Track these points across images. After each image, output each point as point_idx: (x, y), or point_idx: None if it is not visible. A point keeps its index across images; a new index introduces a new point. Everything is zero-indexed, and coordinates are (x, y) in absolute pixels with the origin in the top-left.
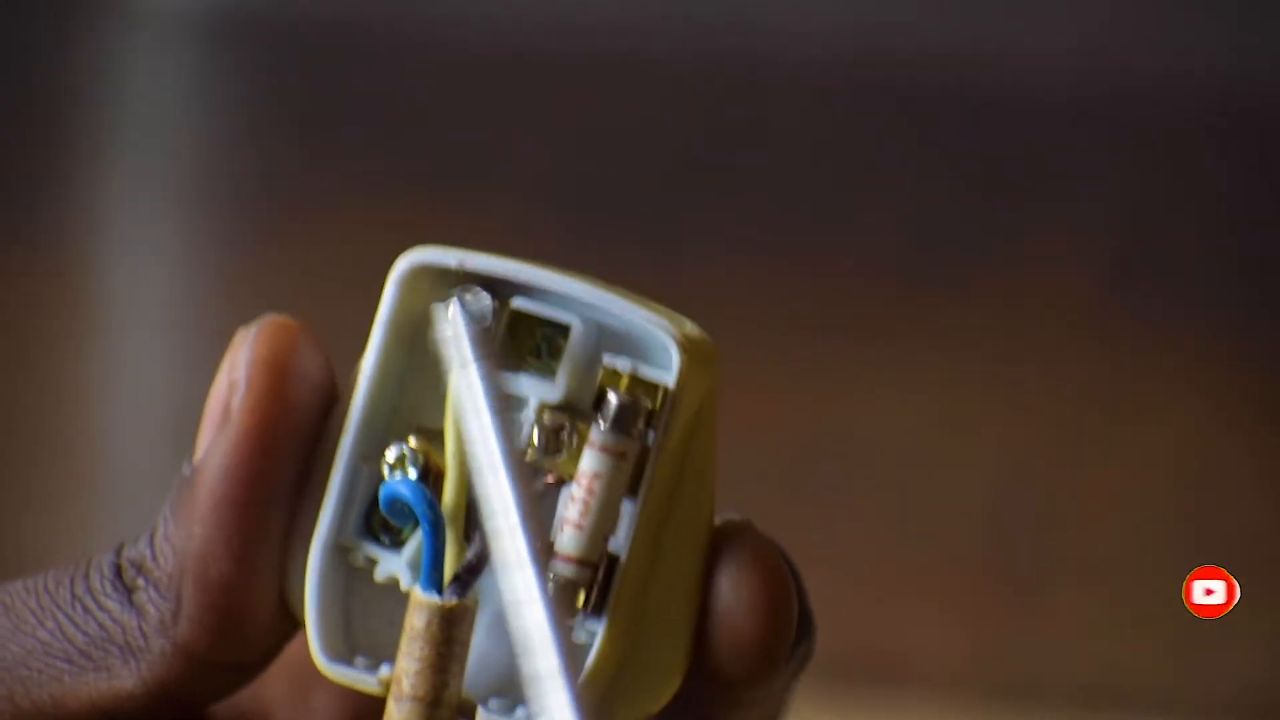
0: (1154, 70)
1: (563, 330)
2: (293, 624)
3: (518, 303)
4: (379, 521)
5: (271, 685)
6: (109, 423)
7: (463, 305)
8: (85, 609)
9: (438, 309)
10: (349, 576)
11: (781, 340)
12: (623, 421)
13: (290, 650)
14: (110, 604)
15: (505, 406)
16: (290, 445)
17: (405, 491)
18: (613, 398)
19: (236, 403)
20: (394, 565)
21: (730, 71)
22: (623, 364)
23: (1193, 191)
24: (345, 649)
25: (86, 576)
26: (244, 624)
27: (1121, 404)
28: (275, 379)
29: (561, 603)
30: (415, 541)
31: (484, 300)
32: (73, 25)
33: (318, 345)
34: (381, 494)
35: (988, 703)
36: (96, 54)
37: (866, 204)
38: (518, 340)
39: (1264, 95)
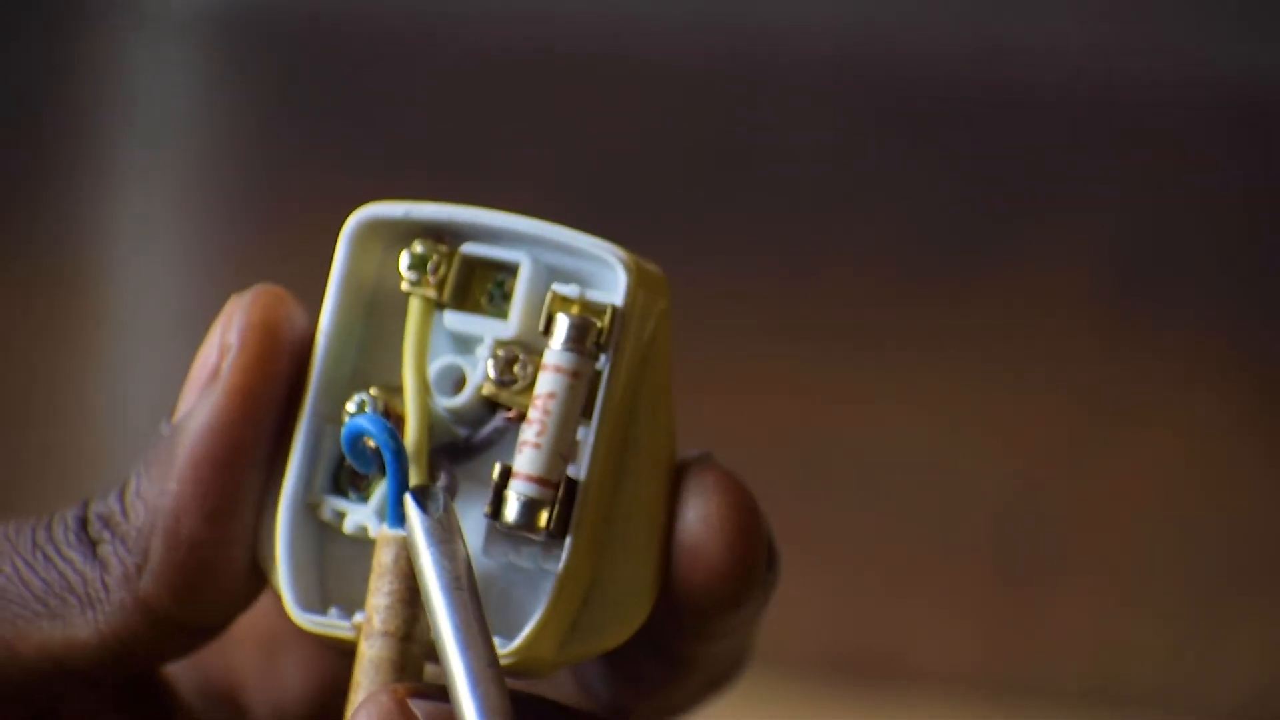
0: (1158, 68)
1: (513, 271)
2: (257, 589)
3: (467, 248)
4: (346, 477)
5: (239, 650)
6: (112, 427)
7: (416, 501)
8: (46, 557)
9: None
10: (319, 532)
11: (784, 340)
12: (573, 339)
13: (257, 615)
14: (72, 554)
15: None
16: (273, 409)
17: (366, 424)
18: (563, 318)
19: (228, 364)
20: (362, 516)
21: (731, 70)
22: (571, 290)
23: (1198, 190)
24: (319, 601)
25: (49, 527)
26: (209, 584)
27: (1127, 403)
28: (267, 345)
29: (526, 521)
30: (381, 492)
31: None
32: (76, 24)
33: (304, 313)
34: (344, 434)
35: (995, 701)
36: (100, 53)
37: (870, 203)
38: (471, 285)
39: (1270, 93)
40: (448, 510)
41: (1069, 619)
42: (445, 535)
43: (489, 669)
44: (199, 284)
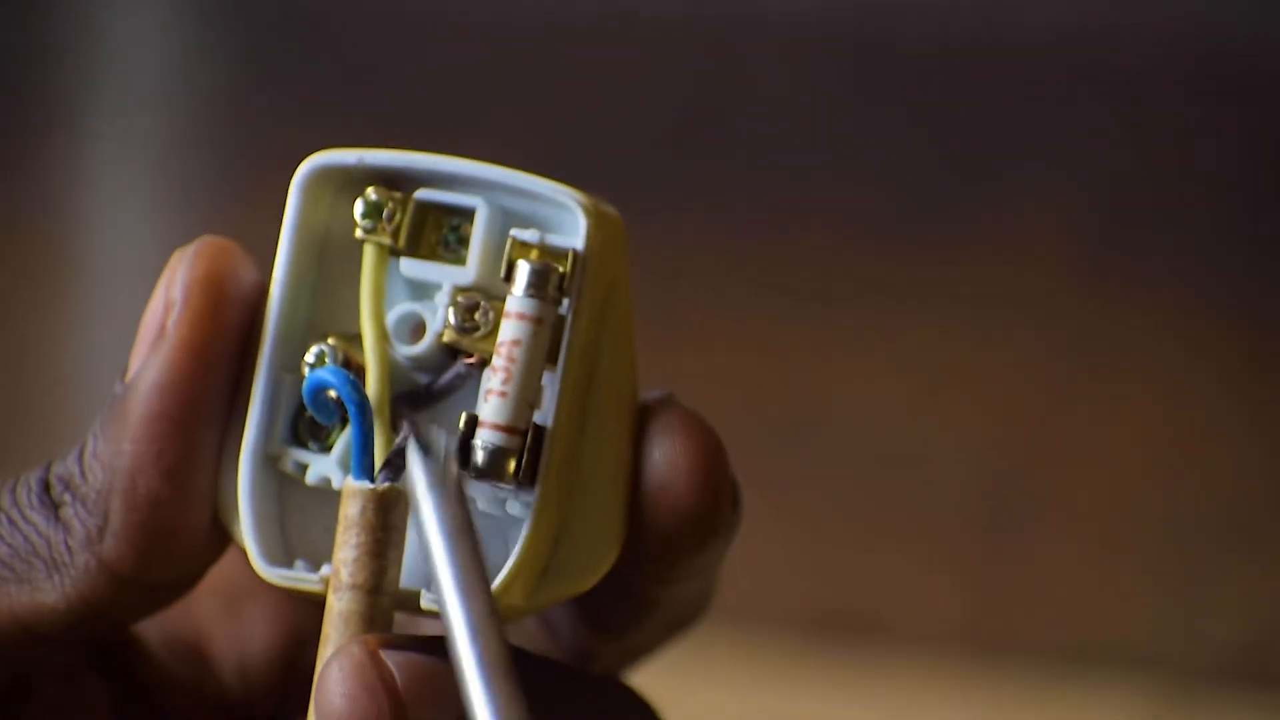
0: (1135, 21)
1: (468, 216)
2: (220, 545)
3: (421, 194)
4: (306, 428)
5: (202, 603)
6: (83, 382)
7: (416, 439)
8: (11, 521)
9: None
10: (281, 484)
11: (761, 296)
12: (535, 286)
13: (220, 569)
14: (36, 518)
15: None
16: (224, 363)
17: (328, 376)
18: (523, 264)
19: (173, 320)
20: (324, 467)
21: (706, 27)
22: (530, 235)
23: (1176, 144)
24: (283, 555)
25: (14, 491)
26: (171, 543)
27: (1107, 358)
28: (212, 298)
29: (494, 470)
30: (344, 442)
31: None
32: None
33: (254, 267)
34: (305, 387)
35: (974, 658)
36: (73, 11)
37: (846, 159)
38: (426, 233)
39: (1247, 46)
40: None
41: (1049, 575)
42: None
43: (489, 619)
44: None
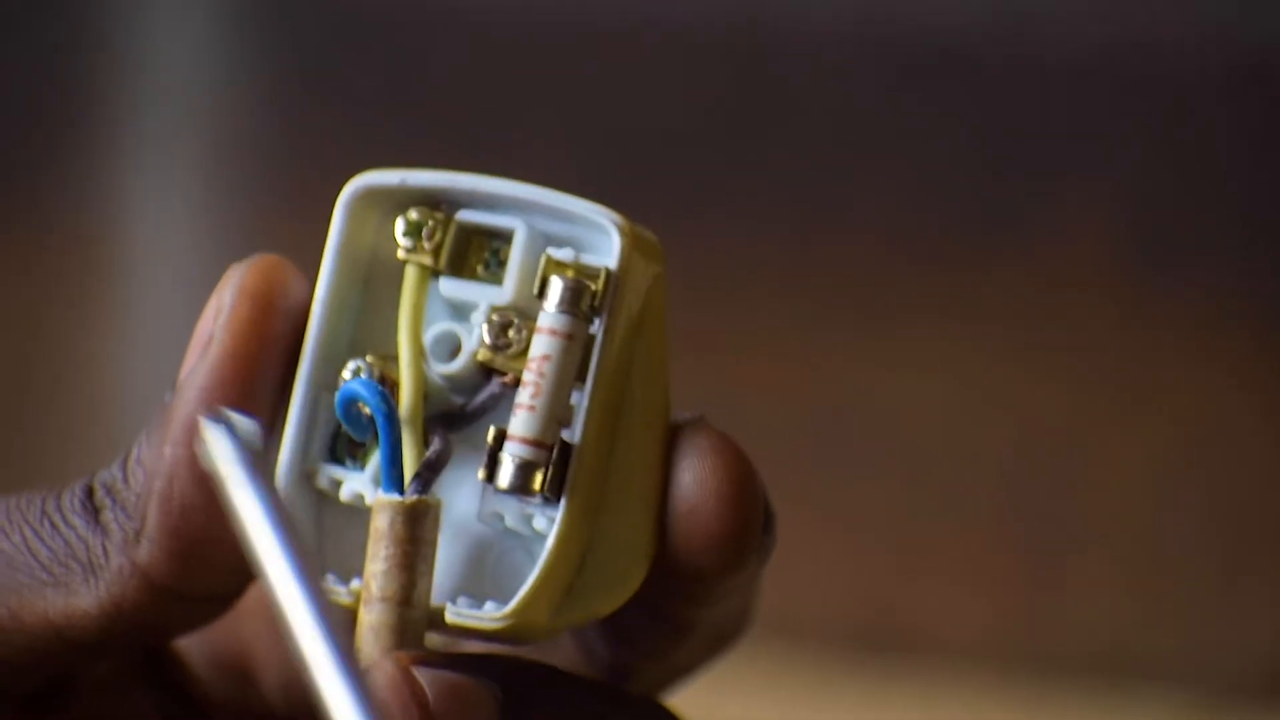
0: (1173, 35)
1: (508, 238)
2: None
3: (463, 215)
4: (343, 445)
5: (248, 622)
6: (125, 390)
7: (229, 430)
8: (53, 525)
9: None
10: (315, 499)
11: (800, 310)
12: (567, 302)
13: (258, 590)
14: (76, 521)
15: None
16: (267, 373)
17: (359, 388)
18: (556, 280)
19: (219, 326)
20: (358, 484)
21: (748, 40)
22: (565, 254)
23: (1213, 158)
24: (316, 568)
25: (59, 497)
26: (205, 550)
27: (1141, 374)
28: (259, 307)
29: (520, 483)
30: (377, 460)
31: (248, 424)
32: None
33: (304, 282)
34: (338, 399)
35: (1007, 672)
36: (118, 21)
37: (885, 172)
38: (467, 254)
39: None
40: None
41: (1083, 590)
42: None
43: (319, 599)
44: (218, 254)
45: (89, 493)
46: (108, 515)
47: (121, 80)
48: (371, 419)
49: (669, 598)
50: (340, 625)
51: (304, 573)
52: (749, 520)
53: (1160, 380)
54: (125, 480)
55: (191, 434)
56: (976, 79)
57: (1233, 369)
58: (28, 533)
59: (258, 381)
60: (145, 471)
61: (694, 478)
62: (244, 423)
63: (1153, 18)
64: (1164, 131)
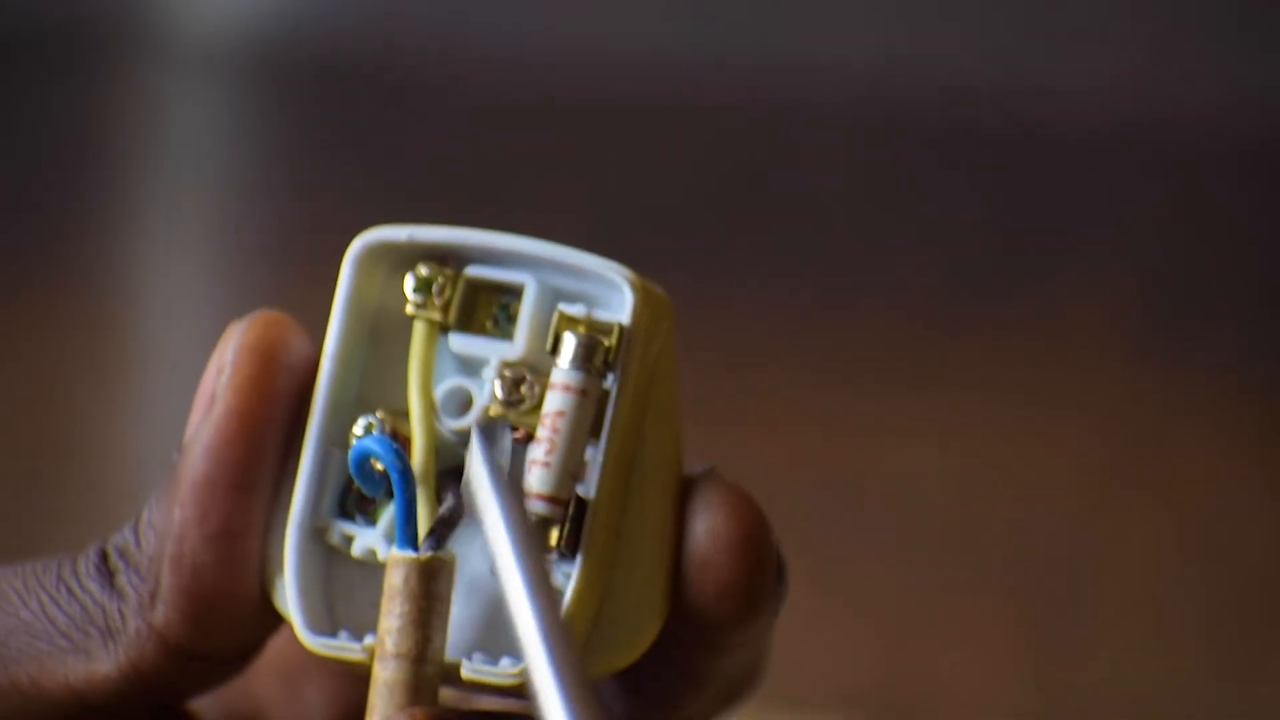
0: (1186, 109)
1: (518, 294)
2: (274, 620)
3: (472, 270)
4: (353, 501)
5: (261, 681)
6: (140, 452)
7: (482, 438)
8: (69, 591)
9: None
10: (327, 556)
11: (815, 376)
12: (581, 358)
13: (278, 646)
14: (92, 586)
15: (533, 542)
16: (272, 430)
17: (373, 445)
18: (570, 337)
19: (222, 385)
20: (370, 539)
21: (766, 110)
22: (577, 309)
23: (1225, 229)
24: (328, 624)
25: (74, 562)
26: (219, 610)
27: (1150, 445)
28: (260, 364)
29: (534, 540)
30: (390, 515)
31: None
32: (110, 62)
33: (307, 338)
34: (351, 455)
35: None
36: (133, 90)
37: (901, 241)
38: (476, 309)
39: None
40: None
41: (1090, 661)
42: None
43: (558, 626)
44: (229, 315)
45: (103, 557)
46: (122, 579)
47: (133, 145)
48: (385, 475)
49: (684, 650)
50: (567, 638)
51: (539, 590)
52: (763, 570)
53: (1170, 451)
54: (137, 543)
55: (199, 494)
56: (991, 150)
57: (1242, 440)
58: (45, 599)
59: (263, 438)
60: (156, 533)
61: (708, 530)
62: (504, 439)
63: (1167, 95)
64: (1175, 205)
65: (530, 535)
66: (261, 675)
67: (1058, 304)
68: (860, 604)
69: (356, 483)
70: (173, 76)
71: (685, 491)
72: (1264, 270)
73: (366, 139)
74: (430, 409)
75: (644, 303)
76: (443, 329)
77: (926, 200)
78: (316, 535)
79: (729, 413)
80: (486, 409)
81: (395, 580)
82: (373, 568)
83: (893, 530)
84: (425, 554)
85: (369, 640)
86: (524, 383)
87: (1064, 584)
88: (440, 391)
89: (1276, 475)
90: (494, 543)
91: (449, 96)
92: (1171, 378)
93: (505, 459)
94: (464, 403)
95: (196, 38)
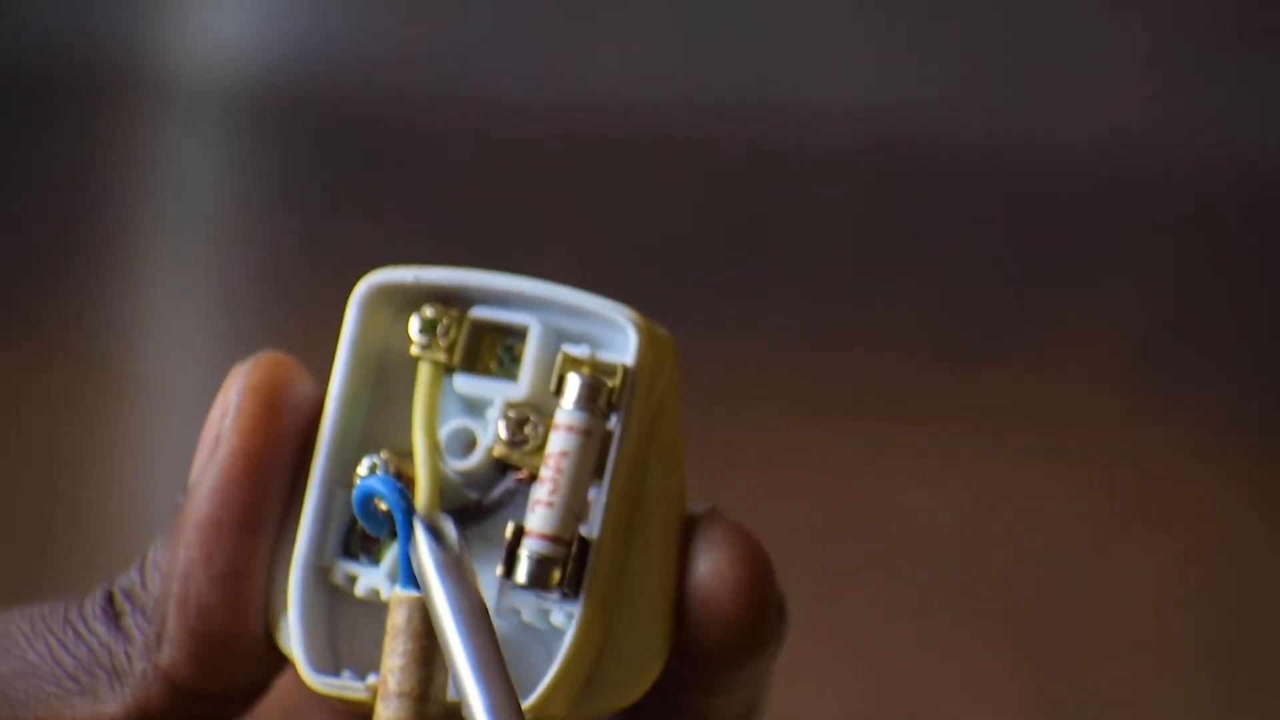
0: (1188, 154)
1: (522, 335)
2: (279, 659)
3: (476, 312)
4: (357, 542)
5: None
6: (141, 500)
7: (428, 534)
8: (76, 633)
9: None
10: (330, 596)
11: (815, 417)
12: (585, 399)
13: (282, 685)
14: (99, 628)
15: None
16: (276, 471)
17: (377, 485)
18: (574, 377)
19: (226, 426)
20: (374, 579)
21: (768, 151)
22: (581, 350)
23: (1223, 270)
24: (331, 664)
25: (80, 604)
26: (225, 650)
27: (1149, 483)
28: (265, 405)
29: (539, 579)
30: (393, 555)
31: (450, 529)
32: (105, 105)
33: (311, 379)
34: (355, 495)
35: None
36: (132, 132)
37: (901, 282)
38: (480, 350)
39: None
40: (461, 548)
41: (1090, 699)
42: (457, 568)
43: (509, 709)
44: (230, 357)
45: (109, 599)
46: (128, 620)
47: (132, 187)
48: (388, 515)
49: (685, 688)
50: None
51: (502, 688)
52: (766, 609)
53: (1168, 490)
54: (143, 584)
55: (204, 535)
56: (991, 193)
57: (1240, 479)
58: (52, 642)
59: (268, 479)
60: (162, 575)
61: (711, 569)
62: (448, 529)
63: (1169, 140)
64: (1175, 248)
65: (491, 636)
66: (266, 715)
67: (1057, 346)
68: (858, 644)
69: (360, 522)
70: (172, 119)
71: (688, 531)
72: (1263, 313)
73: (368, 180)
74: (435, 449)
75: (648, 343)
76: (447, 370)
77: (927, 242)
78: (320, 575)
79: (729, 453)
80: (490, 449)
81: (398, 619)
82: (376, 607)
83: (891, 570)
84: None
85: (372, 679)
86: (528, 423)
87: (1062, 624)
88: (445, 432)
89: (1276, 516)
90: (449, 643)
91: (450, 137)
92: (1170, 420)
93: (454, 543)
94: (468, 443)
95: (196, 80)
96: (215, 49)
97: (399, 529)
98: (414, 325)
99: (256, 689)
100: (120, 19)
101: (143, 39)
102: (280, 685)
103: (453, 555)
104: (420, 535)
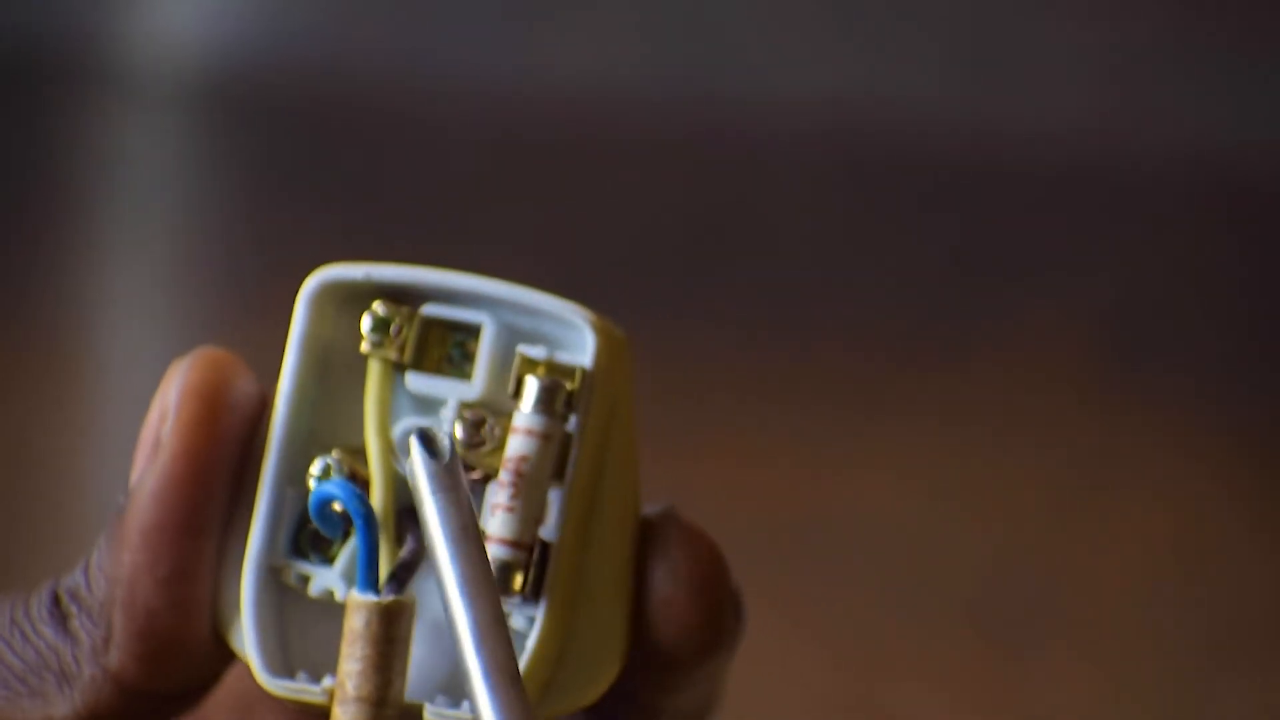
0: (1149, 146)
1: (474, 332)
2: (228, 656)
3: (428, 309)
4: (308, 541)
5: (218, 714)
6: (95, 495)
7: (422, 442)
8: (23, 635)
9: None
10: (283, 596)
11: (776, 413)
12: (543, 402)
13: (230, 679)
14: (46, 630)
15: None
16: (220, 472)
17: (336, 489)
18: (532, 380)
19: (167, 429)
20: (328, 579)
21: (727, 146)
22: (538, 352)
23: (1186, 265)
24: (285, 666)
25: (26, 604)
26: (174, 652)
27: (1117, 476)
28: (205, 406)
29: (498, 585)
30: (347, 554)
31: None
32: (65, 94)
33: (251, 376)
34: (311, 499)
35: None
36: (88, 123)
37: (862, 275)
38: (431, 348)
39: (1257, 172)
40: (453, 457)
41: (1059, 690)
42: (451, 482)
43: (494, 625)
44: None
45: (55, 600)
46: (75, 623)
47: (88, 177)
48: (344, 517)
49: (643, 687)
50: (513, 662)
51: (490, 603)
52: (722, 609)
53: (1136, 481)
54: (88, 587)
55: (148, 539)
56: (952, 186)
57: (1208, 469)
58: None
59: (211, 481)
60: (106, 578)
61: (667, 569)
62: (442, 442)
63: (1130, 132)
64: (1136, 240)
65: (480, 551)
66: (218, 708)
67: (1019, 338)
68: (820, 636)
69: (316, 525)
70: (128, 109)
71: (644, 531)
72: (1223, 303)
73: (323, 173)
74: (388, 449)
75: (605, 345)
76: (398, 368)
77: (888, 235)
78: (272, 575)
79: (689, 447)
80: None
81: (356, 624)
82: (329, 607)
83: (853, 562)
84: (387, 598)
85: (328, 682)
86: (484, 425)
87: (1025, 616)
88: (397, 431)
89: (1244, 502)
90: (438, 556)
91: (406, 131)
92: (1132, 411)
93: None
94: None
95: (152, 70)
96: (171, 40)
97: (359, 533)
98: (366, 323)
99: (203, 686)
100: (76, 9)
101: (98, 29)
102: (230, 678)
103: (445, 465)
104: (415, 451)
